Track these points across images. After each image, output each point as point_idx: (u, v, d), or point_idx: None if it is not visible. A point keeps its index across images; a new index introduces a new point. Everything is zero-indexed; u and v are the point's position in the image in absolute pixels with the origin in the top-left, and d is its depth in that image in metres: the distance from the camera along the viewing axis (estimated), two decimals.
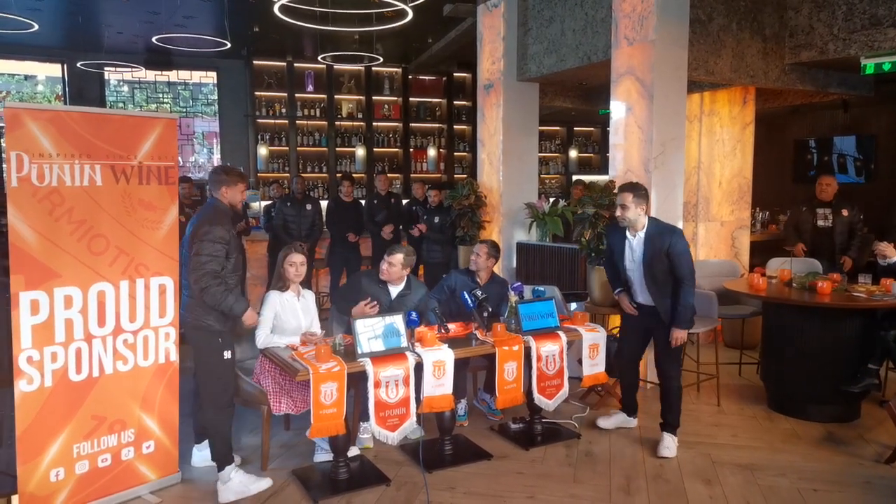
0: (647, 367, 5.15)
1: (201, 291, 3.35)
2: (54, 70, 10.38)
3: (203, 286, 3.34)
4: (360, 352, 3.46)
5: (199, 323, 3.44)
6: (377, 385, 3.41)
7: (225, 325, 3.48)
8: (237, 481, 3.44)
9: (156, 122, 3.41)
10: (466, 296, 4.06)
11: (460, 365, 3.78)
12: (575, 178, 10.26)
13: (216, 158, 11.22)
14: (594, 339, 4.14)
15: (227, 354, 3.50)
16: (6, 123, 2.88)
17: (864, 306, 4.28)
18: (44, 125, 2.99)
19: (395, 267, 4.23)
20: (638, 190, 3.91)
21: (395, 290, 4.31)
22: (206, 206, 3.61)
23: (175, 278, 3.49)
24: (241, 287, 3.75)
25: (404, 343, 3.59)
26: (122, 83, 10.96)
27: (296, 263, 3.93)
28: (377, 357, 3.46)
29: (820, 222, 6.02)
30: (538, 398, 3.97)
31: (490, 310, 4.08)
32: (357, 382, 3.63)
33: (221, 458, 3.46)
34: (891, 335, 4.21)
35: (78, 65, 9.27)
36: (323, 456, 3.79)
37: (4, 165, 3.03)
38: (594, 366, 4.15)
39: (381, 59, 9.19)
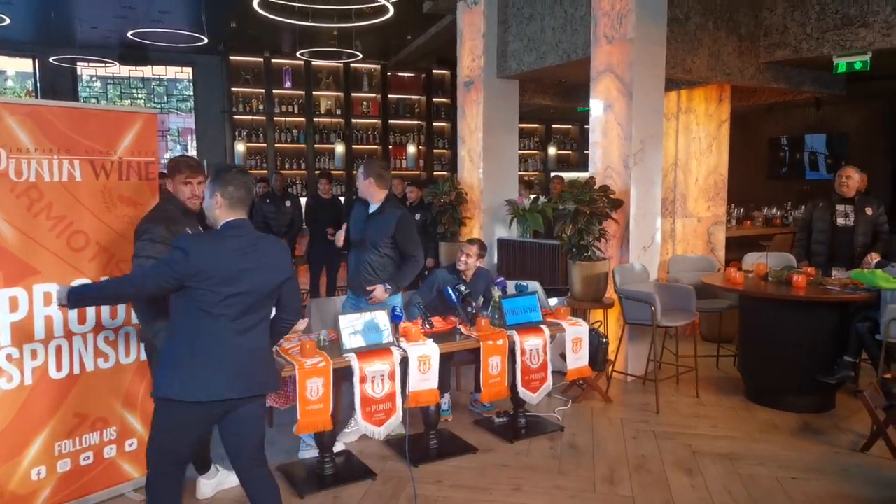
0: (626, 357, 5.23)
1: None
2: (24, 65, 10.18)
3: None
4: (344, 347, 3.46)
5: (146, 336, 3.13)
6: (363, 380, 3.41)
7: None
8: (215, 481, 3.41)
9: (136, 118, 3.37)
10: (450, 291, 4.07)
11: (445, 360, 3.79)
12: (553, 174, 10.32)
13: (191, 155, 11.09)
14: (577, 333, 4.18)
15: None
16: None
17: (838, 299, 4.38)
18: (21, 119, 2.94)
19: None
20: None
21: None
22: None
23: None
24: None
25: (389, 338, 3.59)
26: (94, 78, 10.80)
27: None
28: (362, 352, 3.46)
29: (840, 220, 5.23)
30: (522, 392, 4.01)
31: (474, 304, 4.10)
32: (341, 378, 3.63)
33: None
34: (864, 327, 4.31)
35: (50, 60, 9.11)
36: (308, 452, 3.79)
37: None
38: (578, 359, 4.19)
39: (361, 56, 9.17)
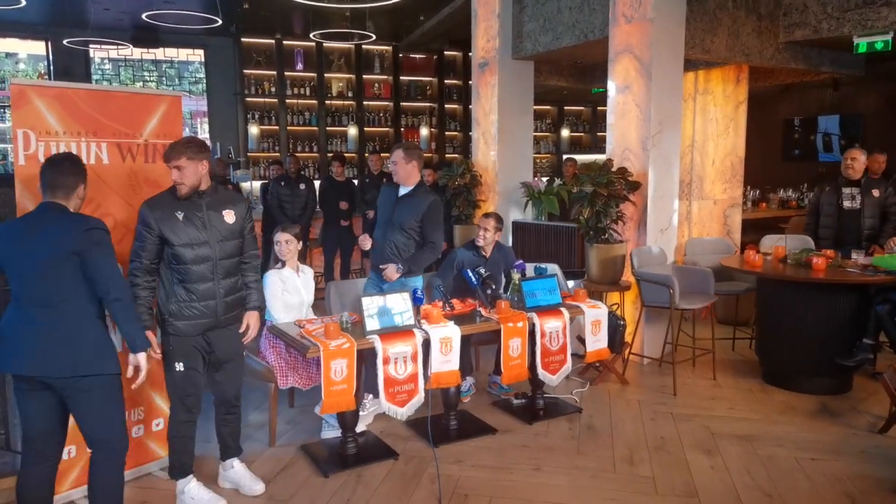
0: (643, 339, 5.24)
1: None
2: (37, 48, 10.17)
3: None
4: (367, 329, 3.49)
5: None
6: (386, 361, 3.44)
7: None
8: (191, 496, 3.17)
9: (161, 100, 3.39)
10: (470, 273, 4.09)
11: (465, 341, 3.82)
12: (566, 156, 10.28)
13: (203, 137, 11.10)
14: (596, 316, 4.20)
15: (179, 366, 3.08)
16: (13, 100, 2.85)
17: (858, 281, 4.37)
18: (50, 102, 2.96)
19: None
20: None
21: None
22: None
23: None
24: None
25: (411, 320, 3.62)
26: (106, 61, 10.77)
27: (280, 241, 4.01)
28: (385, 334, 3.49)
29: (846, 203, 5.26)
30: (542, 374, 4.03)
31: (493, 286, 4.12)
32: (363, 359, 3.67)
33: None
34: (884, 309, 4.30)
35: (64, 42, 9.10)
36: (330, 432, 3.84)
37: (11, 144, 3.00)
38: (597, 342, 4.21)
39: (373, 37, 9.12)
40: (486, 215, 4.64)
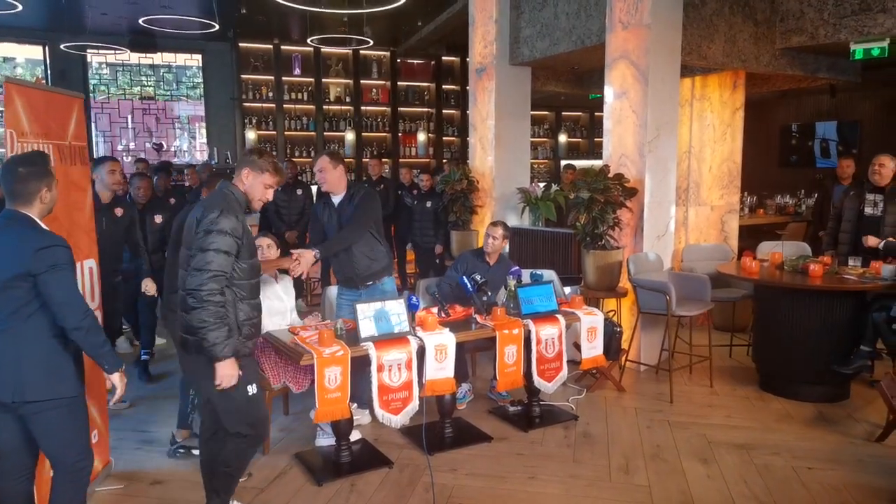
0: (639, 346, 5.22)
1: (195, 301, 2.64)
2: (34, 52, 10.17)
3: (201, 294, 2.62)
4: (362, 336, 3.47)
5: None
6: (380, 369, 3.42)
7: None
8: None
9: (74, 101, 3.34)
10: (466, 279, 4.07)
11: (460, 349, 3.80)
12: (564, 162, 10.27)
13: (200, 143, 11.09)
14: (592, 323, 4.18)
15: (252, 389, 2.84)
16: (4, 100, 2.82)
17: (855, 288, 4.36)
18: (25, 102, 2.91)
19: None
20: None
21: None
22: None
23: (97, 260, 3.46)
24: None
25: (406, 327, 3.60)
26: (104, 65, 10.77)
27: (262, 245, 3.92)
28: (379, 341, 3.46)
29: (868, 210, 5.06)
30: (538, 381, 4.01)
31: (489, 294, 4.11)
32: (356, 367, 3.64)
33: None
34: (881, 317, 4.29)
35: (61, 47, 9.10)
36: (325, 440, 3.81)
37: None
38: (593, 348, 4.20)
39: (371, 43, 9.12)
40: (494, 223, 4.65)
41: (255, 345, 2.94)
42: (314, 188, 7.97)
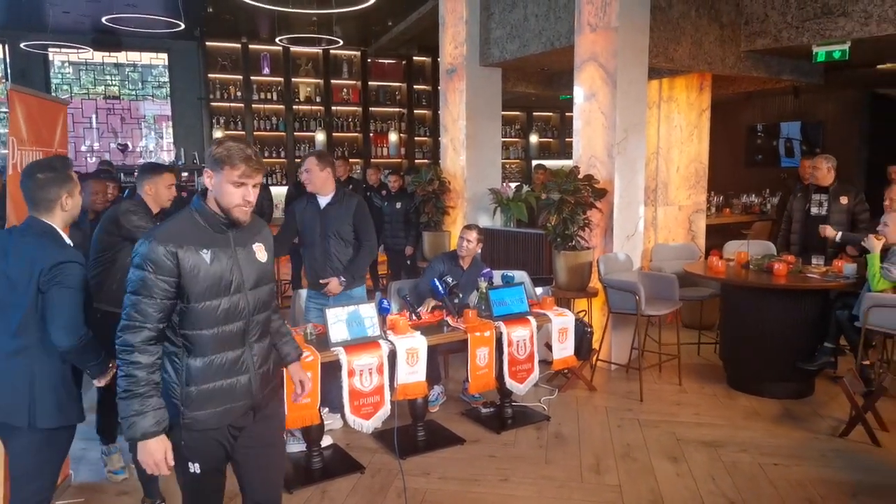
0: (610, 346, 5.27)
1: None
2: None
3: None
4: (332, 341, 3.43)
5: None
6: (351, 374, 3.39)
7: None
8: None
9: (61, 108, 3.31)
10: (437, 282, 4.06)
11: (432, 351, 3.79)
12: (535, 162, 10.32)
13: (167, 143, 10.90)
14: (563, 324, 4.20)
15: (194, 468, 2.11)
16: (9, 106, 2.77)
17: (818, 287, 4.45)
18: (25, 110, 2.87)
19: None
20: None
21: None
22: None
23: None
24: None
25: (377, 331, 3.57)
26: (66, 65, 10.51)
27: None
28: (350, 345, 3.44)
29: (813, 210, 5.27)
30: (510, 383, 4.02)
31: (461, 296, 4.10)
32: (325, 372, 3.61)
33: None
34: (844, 314, 4.39)
35: (21, 45, 8.86)
36: (295, 446, 3.77)
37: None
38: (564, 349, 4.22)
39: (341, 42, 9.05)
40: (469, 226, 4.63)
41: (214, 417, 2.05)
42: (283, 189, 7.89)
